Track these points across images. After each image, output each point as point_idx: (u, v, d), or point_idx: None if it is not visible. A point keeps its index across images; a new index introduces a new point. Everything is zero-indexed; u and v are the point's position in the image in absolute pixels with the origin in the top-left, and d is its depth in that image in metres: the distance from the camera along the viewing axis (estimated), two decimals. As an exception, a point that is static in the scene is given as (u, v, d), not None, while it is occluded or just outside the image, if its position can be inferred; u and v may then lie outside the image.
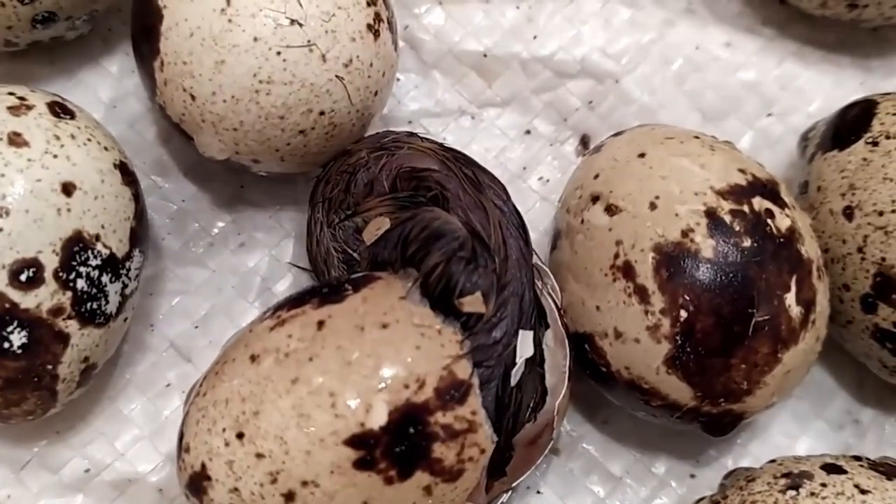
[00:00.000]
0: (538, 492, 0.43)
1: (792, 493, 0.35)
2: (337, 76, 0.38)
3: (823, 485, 0.35)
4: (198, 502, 0.34)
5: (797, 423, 0.44)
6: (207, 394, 0.35)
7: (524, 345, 0.36)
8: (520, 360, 0.35)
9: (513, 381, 0.35)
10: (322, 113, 0.39)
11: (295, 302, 0.36)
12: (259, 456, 0.33)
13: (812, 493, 0.35)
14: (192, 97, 0.38)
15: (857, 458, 0.38)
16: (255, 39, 0.37)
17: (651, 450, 0.43)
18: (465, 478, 0.34)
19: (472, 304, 0.35)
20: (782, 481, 0.36)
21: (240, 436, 0.33)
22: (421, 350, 0.33)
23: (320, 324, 0.34)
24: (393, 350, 0.33)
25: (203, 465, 0.34)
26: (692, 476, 0.43)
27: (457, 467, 0.34)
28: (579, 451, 0.43)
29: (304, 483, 0.33)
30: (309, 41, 0.37)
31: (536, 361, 0.37)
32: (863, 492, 0.35)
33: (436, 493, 0.34)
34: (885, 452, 0.41)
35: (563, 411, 0.38)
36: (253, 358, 0.34)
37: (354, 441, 0.32)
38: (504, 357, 0.35)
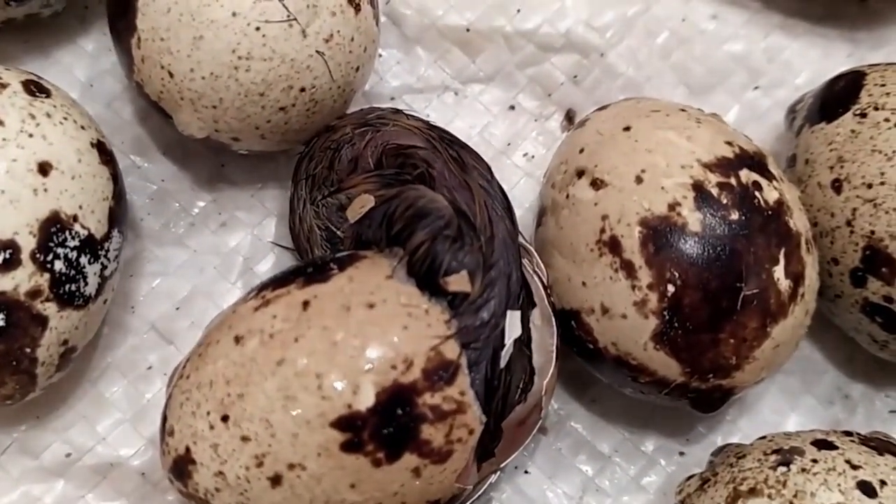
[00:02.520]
0: (526, 472, 0.42)
1: (783, 469, 0.35)
2: (317, 51, 0.38)
3: (814, 460, 0.35)
4: (182, 486, 0.34)
5: (787, 400, 0.44)
6: (191, 376, 0.34)
7: (512, 325, 0.35)
8: (508, 341, 0.35)
9: (502, 363, 0.35)
10: (303, 89, 0.38)
11: (279, 282, 0.35)
12: (244, 439, 0.32)
13: (803, 469, 0.35)
14: (170, 74, 0.37)
15: (848, 434, 0.37)
16: (234, 14, 0.36)
17: (640, 428, 0.43)
18: (454, 459, 0.34)
19: (458, 282, 0.34)
20: (773, 457, 0.36)
21: (225, 418, 0.33)
22: (408, 330, 0.33)
23: (305, 304, 0.34)
24: (379, 330, 0.33)
25: (187, 449, 0.33)
26: (681, 454, 0.43)
27: (445, 448, 0.33)
28: (567, 429, 0.43)
29: (291, 466, 0.32)
30: (289, 16, 0.37)
31: (524, 341, 0.36)
32: (854, 467, 0.35)
33: (424, 475, 0.33)
34: (876, 427, 0.41)
35: (550, 391, 0.37)
36: (237, 339, 0.34)
37: (341, 423, 0.32)
38: (492, 338, 0.34)
